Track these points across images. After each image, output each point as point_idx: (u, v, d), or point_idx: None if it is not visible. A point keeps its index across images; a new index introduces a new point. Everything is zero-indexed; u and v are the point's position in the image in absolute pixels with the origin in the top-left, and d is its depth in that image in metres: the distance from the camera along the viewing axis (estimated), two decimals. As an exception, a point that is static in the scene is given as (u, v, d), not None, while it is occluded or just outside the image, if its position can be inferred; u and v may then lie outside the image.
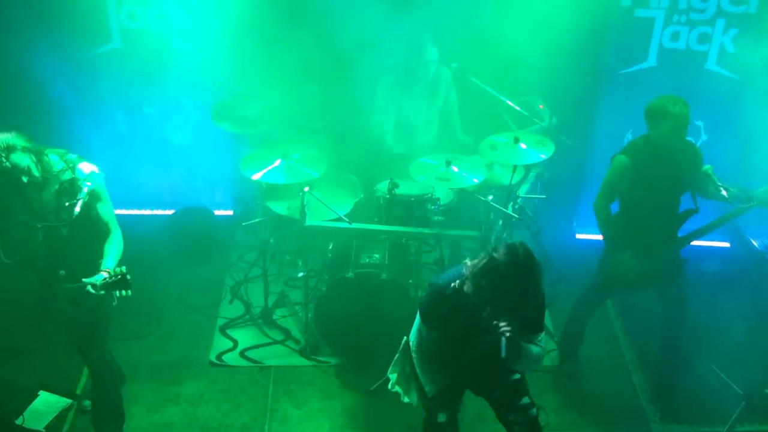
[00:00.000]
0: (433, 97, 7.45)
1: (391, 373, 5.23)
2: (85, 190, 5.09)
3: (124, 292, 5.05)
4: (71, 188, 5.14)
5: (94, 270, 5.08)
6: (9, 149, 4.92)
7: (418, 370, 4.95)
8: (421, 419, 5.29)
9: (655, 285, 6.19)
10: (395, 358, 5.23)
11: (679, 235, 6.03)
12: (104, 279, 4.98)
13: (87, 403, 6.08)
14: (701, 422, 6.19)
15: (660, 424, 6.21)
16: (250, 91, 7.55)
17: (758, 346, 6.85)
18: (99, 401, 5.83)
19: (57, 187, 5.15)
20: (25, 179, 4.99)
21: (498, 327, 4.41)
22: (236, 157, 7.06)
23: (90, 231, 5.27)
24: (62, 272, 5.27)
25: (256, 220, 7.26)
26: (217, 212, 8.28)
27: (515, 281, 4.30)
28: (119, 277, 5.01)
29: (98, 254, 5.19)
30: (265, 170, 6.62)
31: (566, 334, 6.62)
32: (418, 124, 7.47)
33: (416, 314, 4.97)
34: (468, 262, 4.52)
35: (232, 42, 7.47)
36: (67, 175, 5.17)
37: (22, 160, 4.96)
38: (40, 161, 5.07)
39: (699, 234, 5.97)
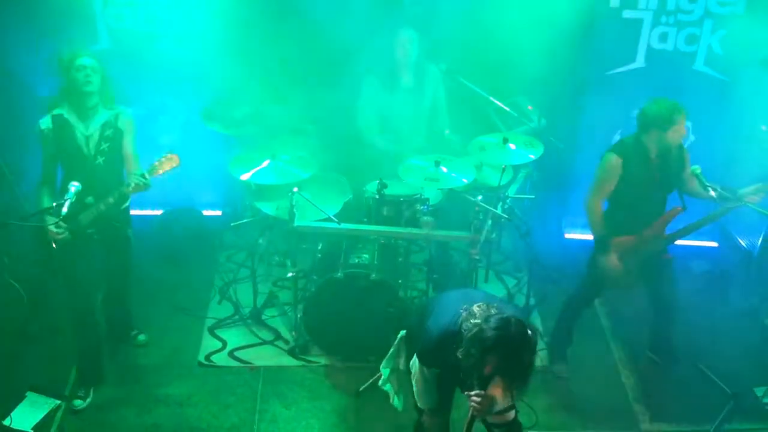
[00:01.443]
0: (419, 95, 7.44)
1: (383, 367, 5.20)
2: (72, 190, 5.38)
3: (175, 165, 5.83)
4: (115, 122, 5.84)
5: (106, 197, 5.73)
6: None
7: (414, 389, 4.86)
8: (411, 420, 5.28)
9: (644, 282, 6.22)
10: (390, 352, 5.19)
11: (667, 232, 6.05)
12: (152, 166, 5.75)
13: (78, 402, 6.06)
14: (690, 421, 6.19)
15: (649, 423, 6.21)
16: (239, 92, 7.54)
17: (746, 345, 6.88)
18: (123, 312, 6.64)
19: (107, 117, 5.82)
20: (93, 80, 5.70)
21: (468, 397, 4.25)
22: (225, 157, 7.05)
23: (119, 163, 5.93)
24: (90, 199, 5.70)
25: (245, 220, 7.25)
26: (205, 213, 8.26)
27: (500, 357, 4.08)
28: (168, 155, 5.80)
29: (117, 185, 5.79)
30: (253, 171, 6.62)
31: (555, 334, 6.63)
32: (404, 122, 7.45)
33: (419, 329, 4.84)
34: (464, 313, 4.31)
35: (220, 43, 7.44)
36: (114, 109, 5.87)
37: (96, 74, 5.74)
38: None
39: (686, 232, 6.01)
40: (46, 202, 5.66)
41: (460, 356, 4.20)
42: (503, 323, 4.09)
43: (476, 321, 4.17)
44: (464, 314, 4.29)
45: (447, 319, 4.45)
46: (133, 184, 5.68)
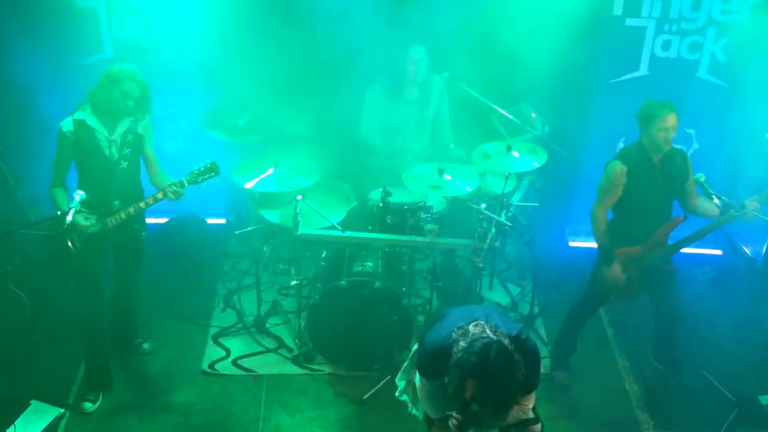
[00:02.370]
0: (424, 105, 7.45)
1: (399, 380, 5.19)
2: (77, 198, 5.38)
3: (213, 175, 5.93)
4: (135, 126, 5.89)
5: (134, 202, 5.91)
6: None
7: (419, 398, 4.83)
8: (414, 427, 5.27)
9: (648, 291, 6.22)
10: (404, 365, 5.17)
11: (670, 242, 6.05)
12: (193, 171, 5.89)
13: (87, 405, 6.08)
14: (694, 429, 6.19)
15: (653, 431, 6.20)
16: (242, 100, 7.56)
17: (751, 353, 6.87)
18: (129, 320, 6.63)
19: (128, 124, 5.86)
20: (131, 104, 5.77)
21: (450, 417, 4.27)
22: (228, 165, 7.04)
23: (139, 167, 6.05)
24: (116, 203, 5.86)
25: (249, 228, 7.27)
26: (209, 221, 8.26)
27: (477, 383, 3.99)
28: (208, 164, 5.89)
29: (140, 188, 6.08)
30: (257, 179, 6.64)
31: (559, 343, 6.62)
32: (409, 131, 7.46)
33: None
34: (458, 332, 4.22)
35: (223, 51, 7.46)
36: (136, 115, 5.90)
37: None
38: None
39: (689, 241, 6.02)
40: (63, 204, 5.69)
41: (445, 380, 4.19)
42: (484, 349, 3.98)
43: (463, 344, 4.08)
44: (457, 334, 4.21)
45: (441, 335, 4.37)
46: (171, 191, 5.79)
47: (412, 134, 7.50)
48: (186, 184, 5.84)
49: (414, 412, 5.16)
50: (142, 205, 5.85)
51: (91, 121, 5.75)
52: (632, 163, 5.87)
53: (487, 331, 4.12)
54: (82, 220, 5.67)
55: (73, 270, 5.93)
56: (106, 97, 5.70)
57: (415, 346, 5.09)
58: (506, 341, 4.05)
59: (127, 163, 5.88)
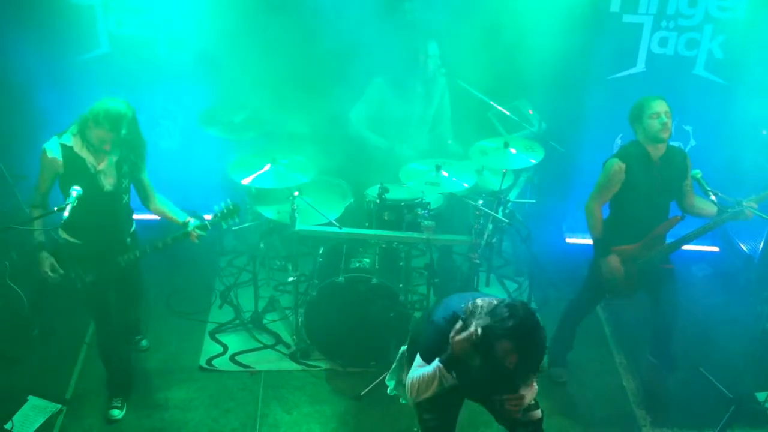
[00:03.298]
0: (427, 100, 7.46)
1: (388, 380, 5.21)
2: (74, 194, 5.16)
3: (237, 217, 5.81)
4: (128, 154, 5.51)
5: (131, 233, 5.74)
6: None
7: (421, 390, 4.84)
8: (412, 424, 5.27)
9: (645, 289, 6.23)
10: (393, 366, 5.20)
11: (668, 240, 6.06)
12: (216, 214, 5.75)
13: (115, 413, 6.06)
14: (691, 426, 6.19)
15: (650, 428, 6.20)
16: (239, 96, 7.56)
17: (748, 349, 6.88)
18: (124, 359, 6.20)
19: (118, 155, 5.47)
20: (108, 148, 5.34)
21: (501, 404, 4.36)
22: (225, 161, 7.05)
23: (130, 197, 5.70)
24: (128, 239, 5.70)
25: (246, 224, 7.25)
26: (206, 217, 8.21)
27: (516, 341, 4.12)
28: (230, 206, 5.75)
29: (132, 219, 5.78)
30: (254, 175, 6.63)
31: (556, 339, 6.62)
32: (410, 127, 7.46)
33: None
34: (468, 304, 4.35)
35: (220, 48, 7.45)
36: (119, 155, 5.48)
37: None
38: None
39: (687, 240, 6.02)
40: (38, 225, 5.42)
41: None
42: (512, 310, 4.15)
43: (482, 317, 4.20)
44: (469, 305, 4.33)
45: (451, 311, 4.47)
46: (196, 235, 5.69)
47: (412, 130, 7.49)
48: (209, 228, 5.71)
49: (404, 402, 5.18)
50: (160, 245, 5.64)
51: (80, 150, 5.35)
52: (631, 161, 5.86)
53: (495, 300, 4.26)
54: (47, 268, 5.46)
55: (89, 303, 5.76)
56: (86, 132, 5.30)
57: (404, 347, 5.11)
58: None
59: (127, 196, 5.61)
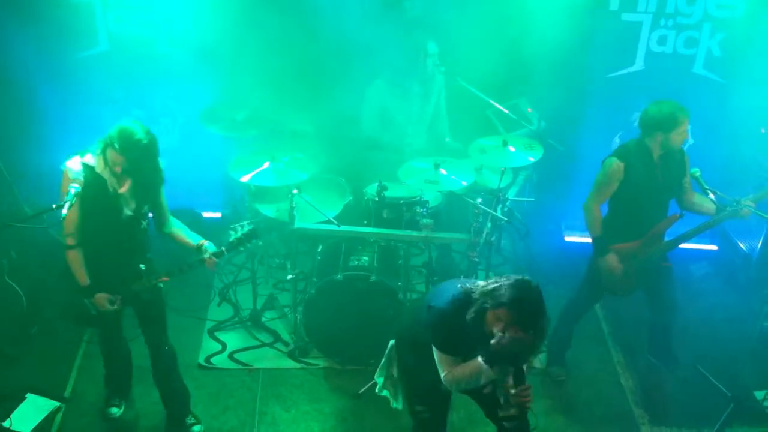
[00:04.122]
0: (425, 99, 7.46)
1: (378, 377, 5.23)
2: (72, 192, 5.06)
3: (255, 241, 5.55)
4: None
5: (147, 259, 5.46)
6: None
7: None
8: (409, 421, 5.27)
9: (643, 287, 6.23)
10: (382, 362, 5.22)
11: (667, 238, 6.06)
12: (232, 240, 5.47)
13: (114, 410, 6.07)
14: (689, 425, 6.20)
15: (648, 426, 6.21)
16: (239, 94, 7.55)
17: (746, 348, 6.88)
18: (173, 388, 5.91)
19: (135, 180, 5.18)
20: (120, 173, 5.04)
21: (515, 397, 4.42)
22: (225, 159, 7.05)
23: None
24: (142, 266, 5.40)
25: (245, 222, 7.25)
26: (205, 214, 8.24)
27: (523, 314, 4.24)
28: (247, 231, 5.47)
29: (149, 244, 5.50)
30: (253, 173, 6.64)
31: (554, 338, 6.61)
32: (409, 126, 7.46)
33: (410, 332, 4.85)
34: (467, 284, 4.46)
35: (220, 45, 7.45)
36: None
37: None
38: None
39: (685, 238, 6.02)
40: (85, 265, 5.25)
41: (470, 316, 4.33)
42: (519, 283, 4.27)
43: (492, 281, 4.33)
44: (467, 285, 4.43)
45: (449, 292, 4.52)
46: (213, 263, 5.46)
47: (412, 129, 7.49)
48: (225, 254, 5.49)
49: (395, 405, 5.20)
50: (176, 271, 5.48)
51: (101, 169, 5.09)
52: (631, 160, 5.84)
53: (493, 278, 4.40)
54: (108, 305, 5.33)
55: (101, 322, 5.58)
56: (107, 152, 5.02)
57: (392, 342, 5.12)
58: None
59: (146, 221, 5.37)
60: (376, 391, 5.25)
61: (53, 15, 7.23)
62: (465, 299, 4.40)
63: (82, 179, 5.04)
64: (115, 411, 6.06)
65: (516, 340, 4.25)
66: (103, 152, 5.03)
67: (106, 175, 5.07)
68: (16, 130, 7.26)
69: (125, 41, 7.55)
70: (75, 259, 5.24)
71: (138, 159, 5.00)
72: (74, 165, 5.08)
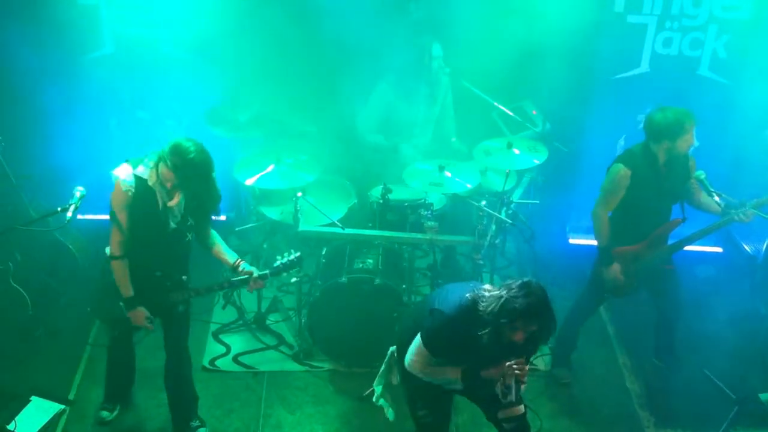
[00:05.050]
0: (431, 100, 7.45)
1: (376, 384, 5.23)
2: (77, 195, 5.08)
3: (296, 271, 5.59)
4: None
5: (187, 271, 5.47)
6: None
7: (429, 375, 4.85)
8: (411, 425, 5.28)
9: (647, 290, 6.23)
10: (381, 369, 5.22)
11: (670, 241, 6.05)
12: (277, 265, 5.42)
13: (105, 414, 6.05)
14: (695, 427, 6.20)
15: (653, 429, 6.21)
16: (243, 96, 7.56)
17: (751, 350, 6.86)
18: (185, 397, 5.92)
19: (186, 196, 5.18)
20: (169, 187, 5.05)
21: (511, 368, 4.42)
22: (229, 161, 7.04)
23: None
24: (185, 277, 5.44)
25: (250, 225, 7.27)
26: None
27: (535, 317, 4.31)
28: (293, 259, 5.43)
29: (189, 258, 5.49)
30: (258, 175, 6.65)
31: (559, 340, 6.61)
32: (415, 127, 7.45)
33: (412, 337, 4.83)
34: (475, 291, 4.48)
35: (225, 47, 7.46)
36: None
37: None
38: None
39: (689, 241, 6.01)
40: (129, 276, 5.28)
41: (484, 333, 4.36)
42: (526, 285, 4.32)
43: (495, 294, 4.36)
44: (475, 293, 4.45)
45: (457, 296, 4.53)
46: (258, 286, 5.44)
47: (418, 130, 7.49)
48: (269, 277, 5.41)
49: (389, 414, 5.22)
50: (215, 288, 5.54)
51: (154, 184, 5.10)
52: (637, 166, 5.82)
53: (497, 288, 4.46)
54: (145, 322, 5.38)
55: (114, 319, 5.57)
56: (159, 165, 5.05)
57: (392, 348, 5.12)
58: None
59: (191, 234, 5.38)
60: (373, 399, 5.27)
61: (58, 17, 7.24)
62: (471, 310, 4.42)
63: (133, 190, 5.06)
64: (106, 415, 6.04)
65: (531, 337, 4.36)
66: (156, 166, 5.04)
67: (156, 188, 5.09)
68: (22, 133, 7.26)
69: (130, 43, 7.56)
70: (119, 269, 5.25)
71: (189, 176, 4.99)
72: (126, 176, 5.07)
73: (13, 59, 7.17)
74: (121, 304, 5.34)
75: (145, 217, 5.13)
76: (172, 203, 5.10)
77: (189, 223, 5.30)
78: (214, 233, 5.52)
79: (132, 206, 5.09)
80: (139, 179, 5.08)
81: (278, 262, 5.46)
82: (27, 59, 7.16)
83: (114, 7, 7.43)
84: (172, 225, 5.22)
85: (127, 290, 5.29)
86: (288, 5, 7.37)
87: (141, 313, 5.35)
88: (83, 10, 7.35)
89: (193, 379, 6.01)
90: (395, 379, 5.14)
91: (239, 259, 5.46)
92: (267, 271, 5.41)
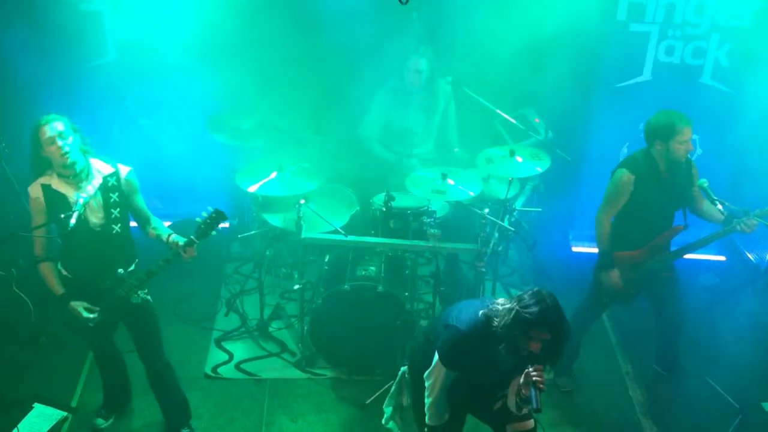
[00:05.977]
0: (431, 110, 7.44)
1: (386, 406, 5.22)
2: (81, 201, 5.12)
3: (222, 221, 5.28)
4: (118, 184, 5.31)
5: (131, 261, 5.48)
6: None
7: (427, 402, 4.82)
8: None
9: (648, 297, 6.22)
10: (391, 390, 5.21)
11: (672, 248, 6.05)
12: (198, 228, 5.23)
13: (100, 421, 6.06)
14: (697, 436, 6.20)
15: (656, 437, 6.22)
16: (245, 103, 7.57)
17: (754, 359, 6.85)
18: (171, 400, 5.92)
19: (103, 182, 5.26)
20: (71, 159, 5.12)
21: (529, 375, 4.36)
22: (232, 169, 7.06)
23: (128, 224, 5.48)
24: (120, 270, 5.38)
25: (252, 232, 7.27)
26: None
27: (546, 325, 4.29)
28: (212, 214, 5.22)
29: (132, 247, 5.51)
30: (261, 182, 6.65)
31: (562, 348, 6.61)
32: (416, 135, 7.45)
33: (424, 355, 4.83)
34: (489, 306, 4.49)
35: (227, 54, 7.47)
36: (110, 171, 5.32)
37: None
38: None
39: (691, 248, 6.01)
40: (58, 276, 5.35)
41: (501, 348, 4.35)
42: (536, 295, 4.30)
43: (507, 307, 4.35)
44: (488, 308, 4.45)
45: (471, 312, 4.54)
46: (189, 254, 5.28)
47: (418, 139, 7.49)
48: (197, 241, 5.24)
49: None
50: (154, 269, 5.31)
51: (58, 185, 5.23)
52: (640, 171, 5.84)
53: (507, 301, 4.45)
54: (84, 313, 5.28)
55: (93, 335, 5.56)
56: (44, 157, 5.23)
57: (403, 368, 5.10)
58: None
59: (119, 225, 5.34)
60: (383, 422, 5.25)
61: (62, 25, 7.28)
62: (485, 327, 4.43)
63: (43, 199, 5.21)
64: (100, 422, 6.04)
65: (547, 345, 4.34)
66: (48, 165, 5.24)
67: (62, 189, 5.21)
68: (24, 140, 7.25)
69: (133, 51, 7.60)
70: (45, 271, 5.35)
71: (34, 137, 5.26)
72: (34, 191, 5.27)
73: (17, 67, 7.20)
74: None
75: (64, 218, 5.14)
76: (83, 199, 5.16)
77: (113, 216, 5.30)
78: (154, 219, 5.58)
79: (49, 212, 5.23)
80: (45, 187, 5.23)
81: (199, 222, 5.29)
82: (31, 67, 7.19)
83: (117, 15, 7.45)
84: (94, 221, 5.25)
85: (56, 289, 5.34)
86: (291, 13, 7.38)
87: (76, 306, 5.32)
88: (86, 18, 7.38)
89: (195, 386, 6.00)
90: (406, 401, 5.12)
91: (170, 233, 5.44)
92: (192, 237, 5.25)
